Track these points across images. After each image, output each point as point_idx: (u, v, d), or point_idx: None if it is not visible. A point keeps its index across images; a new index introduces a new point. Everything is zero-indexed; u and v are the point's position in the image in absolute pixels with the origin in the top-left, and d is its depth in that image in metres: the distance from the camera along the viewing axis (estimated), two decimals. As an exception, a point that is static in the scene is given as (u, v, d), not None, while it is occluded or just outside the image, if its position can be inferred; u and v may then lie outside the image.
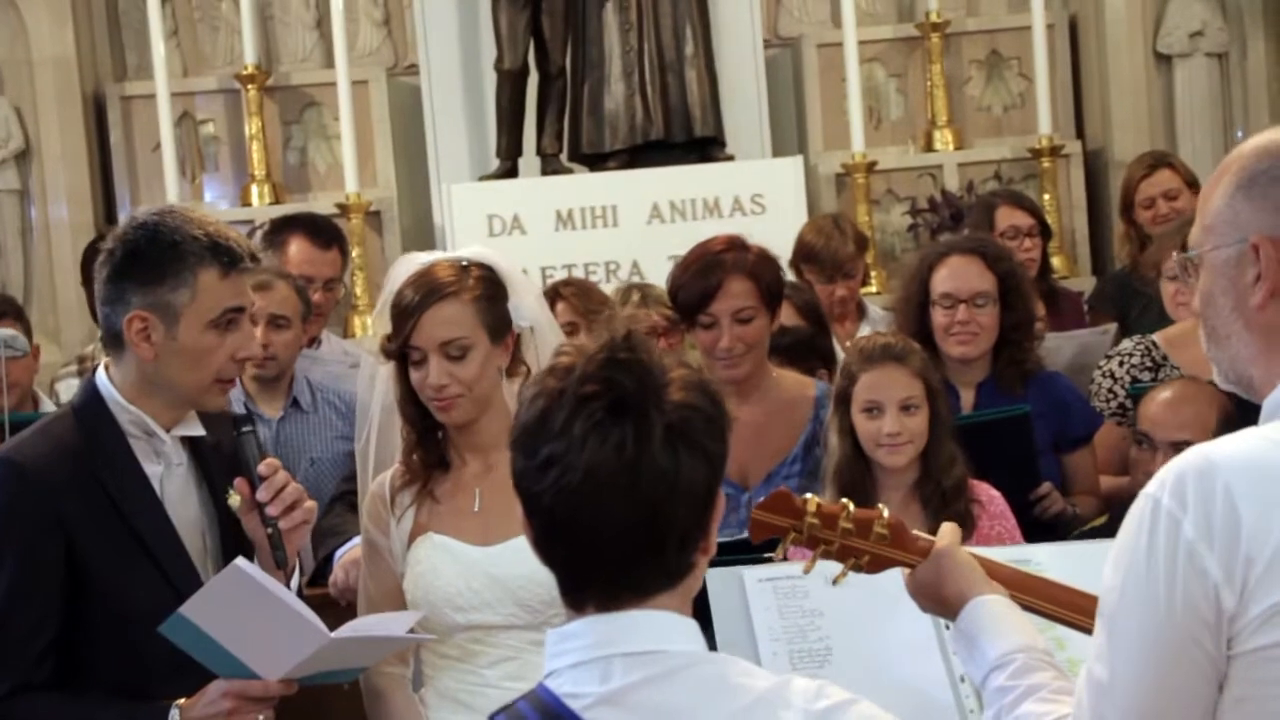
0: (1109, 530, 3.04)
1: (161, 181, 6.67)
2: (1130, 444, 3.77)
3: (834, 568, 2.10)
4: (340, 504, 3.53)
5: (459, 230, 6.36)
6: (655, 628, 1.65)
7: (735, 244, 3.71)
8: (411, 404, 2.77)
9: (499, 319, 2.75)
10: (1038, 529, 3.57)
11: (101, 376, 2.54)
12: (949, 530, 2.09)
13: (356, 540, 3.29)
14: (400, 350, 2.73)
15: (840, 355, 4.37)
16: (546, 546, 1.67)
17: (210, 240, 2.48)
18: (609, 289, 4.71)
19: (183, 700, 2.45)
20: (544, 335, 2.82)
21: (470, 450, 2.79)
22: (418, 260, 2.80)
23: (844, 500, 2.10)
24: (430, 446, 2.79)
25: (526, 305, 2.80)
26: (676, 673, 1.64)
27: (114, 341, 2.52)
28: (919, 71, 7.18)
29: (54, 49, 6.76)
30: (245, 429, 2.55)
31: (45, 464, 2.45)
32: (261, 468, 2.53)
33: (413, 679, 2.89)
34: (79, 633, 2.45)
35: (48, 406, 4.72)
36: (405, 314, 2.71)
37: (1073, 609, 2.07)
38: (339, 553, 3.47)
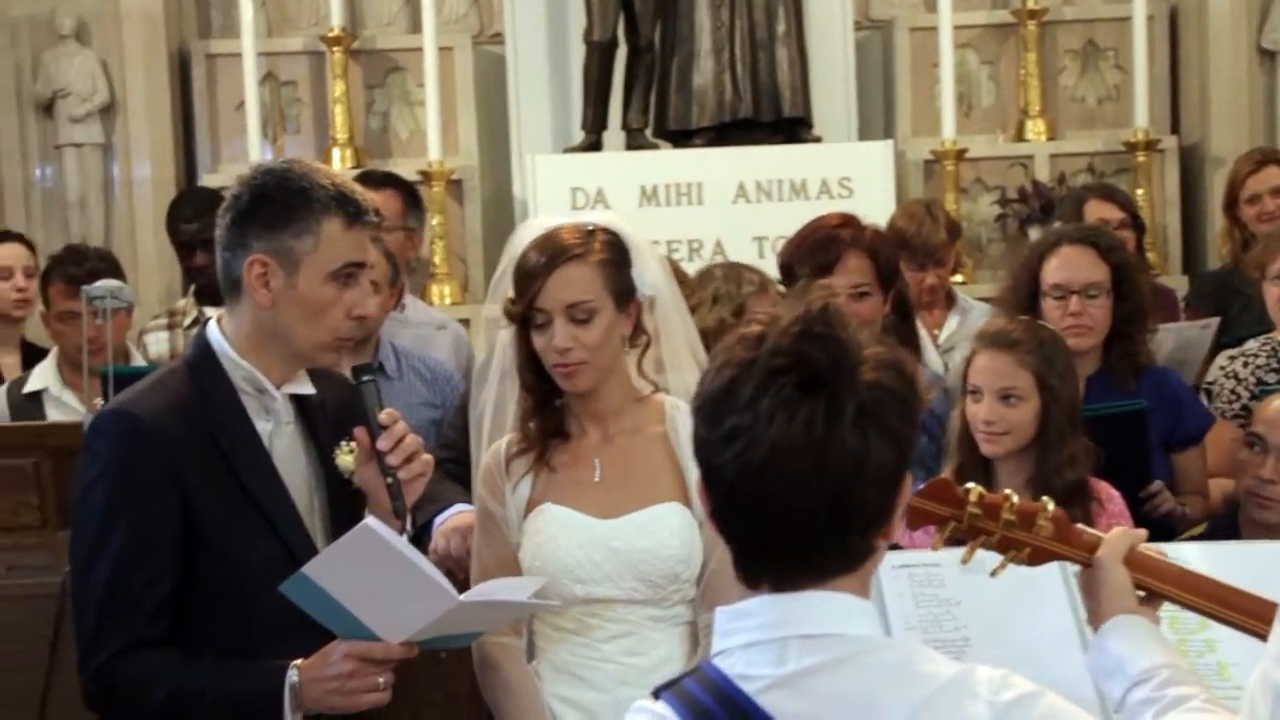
0: (1210, 538, 3.22)
1: (243, 141, 6.66)
2: (1241, 446, 3.70)
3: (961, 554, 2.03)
4: (435, 470, 3.60)
5: (541, 202, 6.30)
6: (834, 610, 1.60)
7: (851, 221, 3.68)
8: (531, 370, 2.74)
9: (624, 285, 2.72)
10: (1146, 527, 3.46)
11: (214, 330, 2.53)
12: (1116, 536, 2.03)
13: (456, 508, 3.29)
14: (524, 313, 2.69)
15: (925, 344, 4.33)
16: (724, 519, 1.62)
17: (337, 191, 2.45)
18: (692, 268, 4.51)
19: (300, 660, 2.42)
20: (666, 305, 2.78)
21: (590, 419, 2.76)
22: (541, 224, 2.77)
23: (1007, 491, 2.03)
24: (548, 414, 2.77)
25: (651, 273, 2.76)
26: (856, 657, 1.59)
27: (232, 289, 2.50)
28: (1012, 59, 7.12)
29: (142, 4, 6.80)
30: (365, 378, 2.51)
31: (161, 418, 2.43)
32: (382, 416, 2.50)
33: (526, 650, 2.86)
34: (190, 590, 2.43)
35: (137, 360, 4.73)
36: (531, 276, 2.68)
37: (1239, 610, 2.01)
38: (437, 520, 3.43)
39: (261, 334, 2.48)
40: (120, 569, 2.40)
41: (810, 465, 1.55)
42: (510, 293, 2.71)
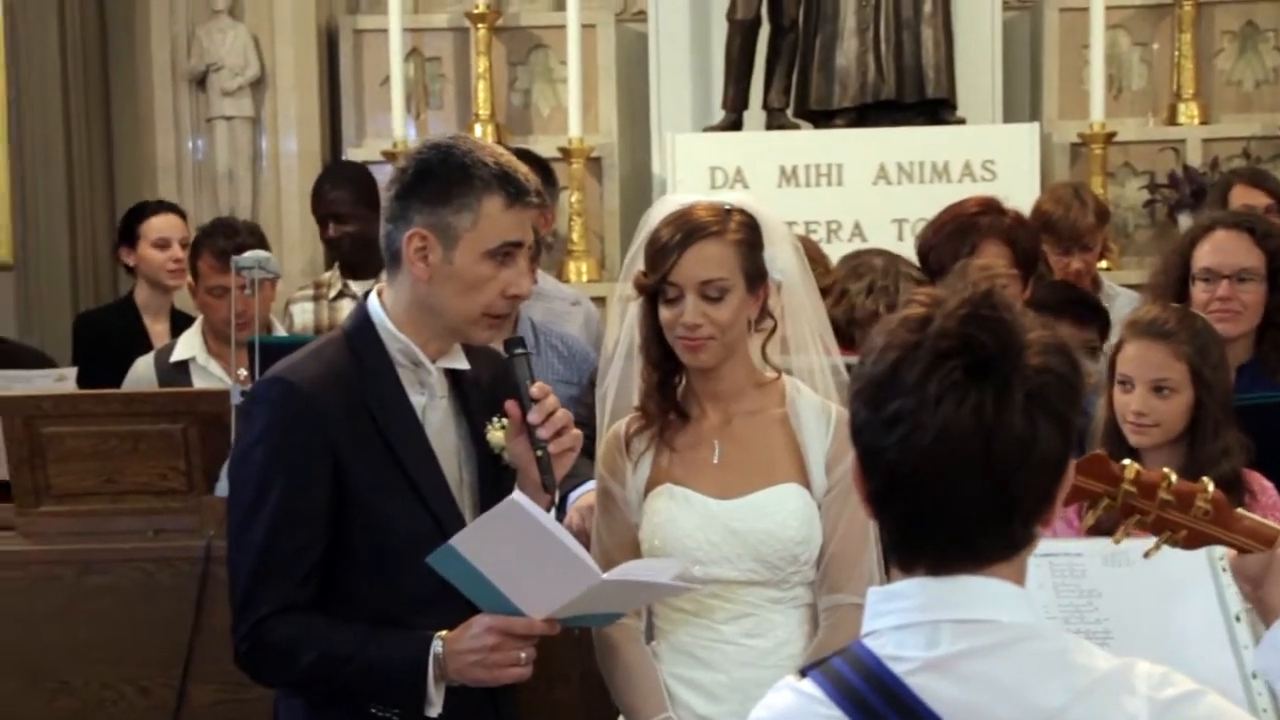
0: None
1: (387, 116, 6.70)
2: None
3: (1109, 545, 2.03)
4: None
5: (679, 181, 6.26)
6: (989, 595, 1.57)
7: (991, 206, 3.67)
8: (656, 344, 2.72)
9: (756, 267, 2.70)
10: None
11: (374, 302, 2.53)
12: None
13: (589, 484, 3.25)
14: (656, 287, 2.68)
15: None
16: (882, 503, 1.60)
17: (500, 170, 2.46)
18: (830, 251, 4.49)
19: (445, 632, 2.43)
20: (795, 290, 2.75)
21: (710, 399, 2.74)
22: (677, 201, 2.75)
23: (1165, 469, 1.99)
24: (669, 391, 2.75)
25: (783, 257, 2.74)
26: (1010, 645, 1.56)
27: (392, 260, 2.51)
28: (1166, 41, 6.94)
29: (292, -22, 6.86)
30: (519, 351, 2.52)
31: (318, 386, 2.44)
32: (534, 390, 2.49)
33: (645, 631, 2.85)
34: (339, 557, 2.44)
35: (280, 331, 4.77)
36: (665, 251, 2.66)
37: None
38: (572, 496, 3.43)
39: (418, 308, 2.49)
40: (274, 533, 2.41)
41: (977, 451, 1.53)
42: (642, 268, 2.71)
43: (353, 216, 5.08)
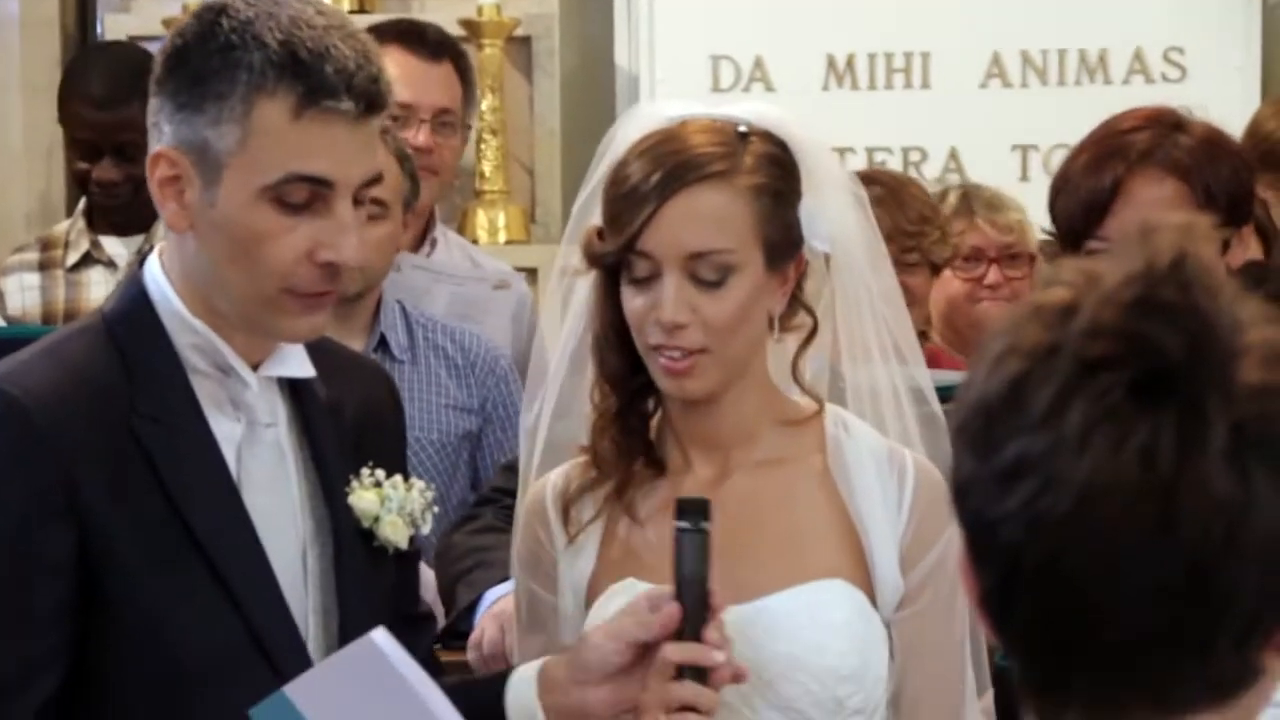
0: None
1: None
2: None
3: None
4: (491, 511, 3.06)
5: (661, 79, 5.07)
6: None
7: (1161, 119, 3.03)
8: (617, 347, 2.31)
9: (784, 229, 2.27)
10: None
11: (154, 269, 2.17)
12: None
13: (511, 584, 2.78)
14: (618, 257, 2.28)
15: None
16: (1003, 608, 1.26)
17: (287, 49, 2.05)
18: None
19: None
20: (853, 267, 2.34)
21: (699, 444, 2.34)
22: (659, 114, 2.33)
23: None
24: (634, 423, 2.33)
25: (832, 210, 2.31)
26: None
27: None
28: None
29: None
30: (688, 525, 2.12)
31: (56, 404, 2.08)
32: (710, 632, 2.17)
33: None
34: (88, 691, 2.12)
35: None
36: (634, 199, 2.26)
37: None
38: (488, 596, 2.97)
39: (198, 279, 2.15)
40: None
41: (1149, 521, 1.19)
42: (598, 222, 2.34)
43: (133, 143, 4.19)
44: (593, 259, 2.32)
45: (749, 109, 2.34)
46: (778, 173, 2.31)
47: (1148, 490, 1.20)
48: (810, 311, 2.38)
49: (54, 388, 2.11)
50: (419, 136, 3.85)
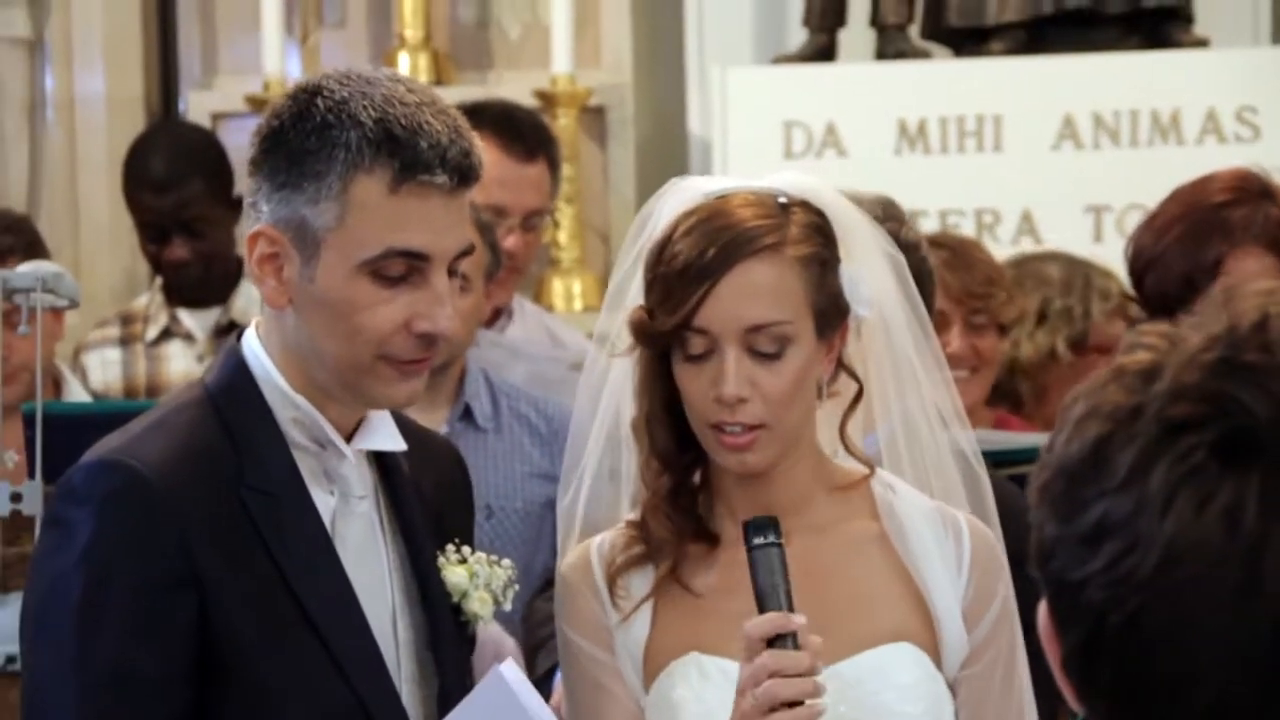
0: None
1: (255, 40, 5.31)
2: None
3: None
4: None
5: (734, 145, 5.11)
6: None
7: (1249, 187, 3.08)
8: (668, 427, 2.32)
9: (830, 298, 2.31)
10: None
11: (252, 342, 2.22)
12: None
13: None
14: (674, 334, 2.28)
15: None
16: (1086, 673, 1.25)
17: (383, 127, 2.09)
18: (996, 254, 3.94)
19: None
20: (893, 329, 2.38)
21: (752, 515, 2.30)
22: (700, 189, 2.34)
23: None
24: (685, 504, 2.34)
25: (872, 276, 2.35)
26: None
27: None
28: None
29: None
30: (760, 541, 2.18)
31: (173, 477, 2.12)
32: (794, 620, 2.23)
33: None
34: None
35: (76, 393, 4.02)
36: (689, 276, 2.27)
37: None
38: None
39: (300, 352, 2.20)
40: (101, 714, 2.13)
41: (1234, 583, 1.19)
42: (640, 298, 2.35)
43: (199, 219, 4.44)
44: (647, 339, 2.33)
45: (784, 179, 2.36)
46: (821, 240, 2.33)
47: (1231, 552, 1.21)
48: (854, 375, 2.38)
49: (168, 459, 2.15)
50: (509, 239, 3.85)
